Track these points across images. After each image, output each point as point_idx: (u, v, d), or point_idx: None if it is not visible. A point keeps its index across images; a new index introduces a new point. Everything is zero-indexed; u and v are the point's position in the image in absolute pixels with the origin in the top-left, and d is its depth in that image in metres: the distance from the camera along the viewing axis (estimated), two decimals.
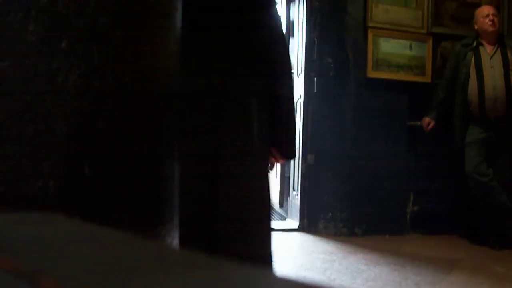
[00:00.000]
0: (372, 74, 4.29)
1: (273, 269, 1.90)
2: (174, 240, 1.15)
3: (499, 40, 4.05)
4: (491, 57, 4.00)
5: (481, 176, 3.90)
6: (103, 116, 0.98)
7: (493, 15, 4.03)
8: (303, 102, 4.45)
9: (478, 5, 4.41)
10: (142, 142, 1.05)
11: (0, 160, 0.91)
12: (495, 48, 4.02)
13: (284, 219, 4.74)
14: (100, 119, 0.97)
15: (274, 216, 4.81)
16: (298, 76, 4.58)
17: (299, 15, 4.64)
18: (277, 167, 5.11)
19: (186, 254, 0.47)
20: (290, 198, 4.77)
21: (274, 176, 5.20)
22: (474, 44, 4.06)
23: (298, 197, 4.47)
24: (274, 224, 4.55)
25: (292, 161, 4.66)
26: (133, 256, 0.45)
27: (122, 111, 1.01)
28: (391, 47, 4.35)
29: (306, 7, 4.46)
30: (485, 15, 4.05)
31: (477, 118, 3.99)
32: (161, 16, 1.10)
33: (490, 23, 4.00)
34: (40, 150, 0.92)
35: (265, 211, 1.89)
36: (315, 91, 4.36)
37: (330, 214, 4.24)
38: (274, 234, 1.95)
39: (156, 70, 1.08)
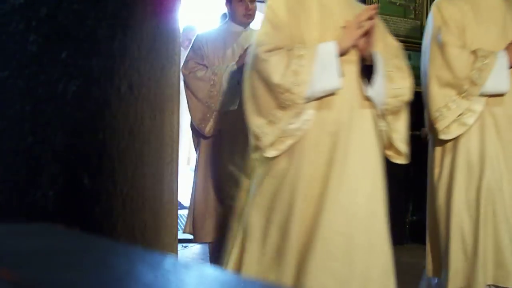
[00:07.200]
0: None
1: None
2: (174, 250, 1.15)
3: None
4: None
5: None
6: (102, 126, 0.98)
7: None
8: None
9: None
10: (142, 152, 1.05)
11: (0, 170, 0.91)
12: None
13: None
14: (99, 129, 0.97)
15: None
16: None
17: None
18: None
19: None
20: None
21: None
22: None
23: None
24: None
25: None
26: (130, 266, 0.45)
27: (122, 120, 1.01)
28: None
29: None
30: None
31: None
32: (160, 27, 1.11)
33: None
34: (40, 160, 0.92)
35: None
36: None
37: None
38: None
39: (156, 80, 1.08)
